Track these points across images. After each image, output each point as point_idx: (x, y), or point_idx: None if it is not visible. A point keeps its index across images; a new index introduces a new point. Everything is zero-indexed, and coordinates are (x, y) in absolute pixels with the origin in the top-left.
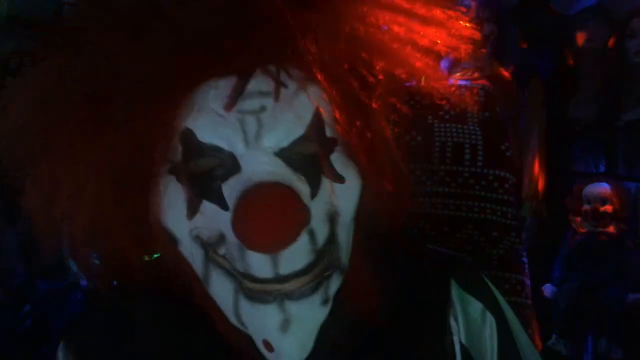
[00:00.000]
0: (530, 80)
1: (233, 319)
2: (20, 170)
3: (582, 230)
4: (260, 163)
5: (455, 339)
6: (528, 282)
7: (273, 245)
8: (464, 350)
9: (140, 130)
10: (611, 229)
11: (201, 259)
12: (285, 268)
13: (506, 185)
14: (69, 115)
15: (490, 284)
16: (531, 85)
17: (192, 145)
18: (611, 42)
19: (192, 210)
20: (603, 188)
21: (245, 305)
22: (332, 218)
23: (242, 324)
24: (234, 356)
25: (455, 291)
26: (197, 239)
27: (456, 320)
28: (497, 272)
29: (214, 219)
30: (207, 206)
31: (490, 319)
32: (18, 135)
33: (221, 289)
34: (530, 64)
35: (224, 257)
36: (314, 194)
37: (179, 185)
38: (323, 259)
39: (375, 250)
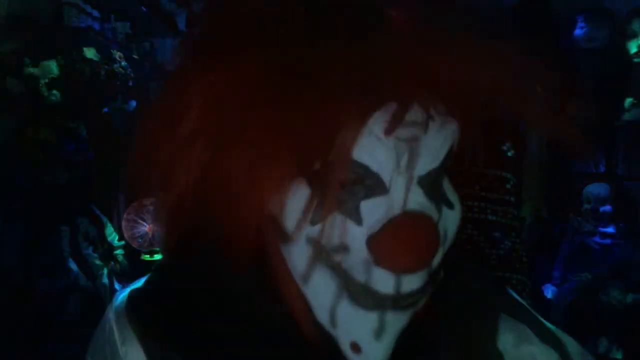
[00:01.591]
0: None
1: (325, 319)
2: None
3: (582, 230)
4: (408, 191)
5: None
6: (528, 282)
7: (410, 268)
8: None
9: (306, 138)
10: (611, 229)
11: (308, 259)
12: (405, 287)
13: (507, 186)
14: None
15: (514, 294)
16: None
17: (343, 159)
18: (611, 42)
19: (318, 218)
20: (603, 188)
21: (345, 307)
22: (444, 242)
23: (335, 324)
24: (309, 353)
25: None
26: (311, 240)
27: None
28: (497, 272)
29: (342, 230)
30: (339, 217)
31: (527, 331)
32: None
33: (322, 289)
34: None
35: (338, 264)
36: (438, 220)
37: (308, 190)
38: (432, 281)
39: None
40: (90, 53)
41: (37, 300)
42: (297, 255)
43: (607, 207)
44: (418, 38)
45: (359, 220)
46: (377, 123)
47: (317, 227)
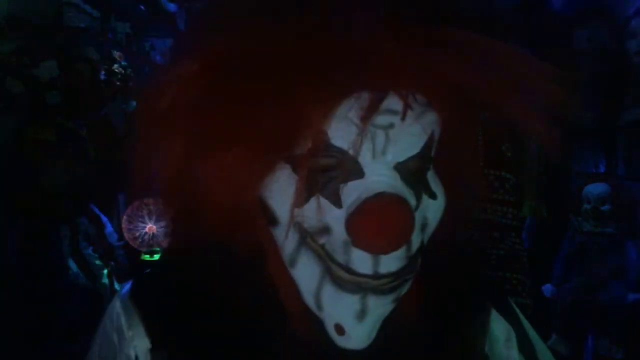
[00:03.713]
0: None
1: (311, 301)
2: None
3: (582, 230)
4: (383, 175)
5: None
6: (528, 282)
7: (382, 249)
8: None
9: (283, 121)
10: (611, 229)
11: (294, 243)
12: (383, 268)
13: (507, 186)
14: (231, 89)
15: (515, 307)
16: None
17: (321, 144)
18: (611, 42)
19: (302, 200)
20: (603, 188)
21: (329, 290)
22: (423, 229)
23: (320, 307)
24: (297, 334)
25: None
26: (297, 224)
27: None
28: (497, 272)
29: (323, 212)
30: (320, 200)
31: (514, 339)
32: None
33: (307, 272)
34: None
35: (322, 246)
36: (417, 207)
37: (293, 176)
38: (411, 265)
39: (431, 256)
40: (90, 53)
41: (37, 300)
42: (285, 239)
43: (607, 207)
44: (397, 28)
45: (338, 203)
46: (353, 110)
47: (301, 210)
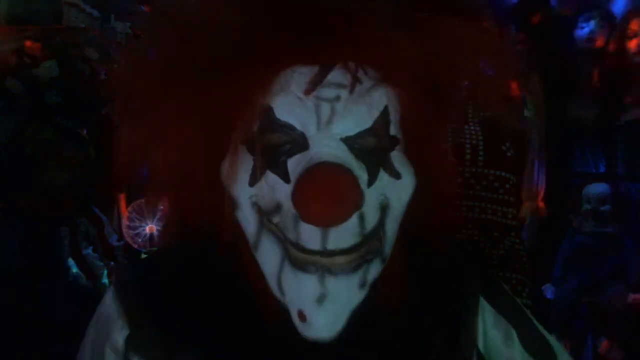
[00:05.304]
0: (530, 80)
1: (274, 286)
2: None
3: (582, 230)
4: (327, 146)
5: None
6: (528, 282)
7: (327, 220)
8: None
9: (227, 101)
10: (611, 229)
11: (255, 225)
12: (332, 244)
13: (507, 186)
14: (172, 79)
15: (513, 297)
16: (531, 85)
17: (269, 120)
18: (611, 42)
19: (255, 178)
20: (603, 188)
21: (288, 273)
22: (384, 209)
23: (282, 292)
24: (266, 320)
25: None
26: (255, 205)
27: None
28: (497, 272)
29: (274, 189)
30: (270, 177)
31: (515, 337)
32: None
33: (269, 255)
34: (530, 64)
35: (276, 225)
36: (370, 183)
37: (249, 155)
38: (367, 243)
39: (416, 248)
40: (90, 53)
41: (37, 300)
42: (247, 222)
43: (607, 207)
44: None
45: (286, 178)
46: (296, 84)
47: (255, 189)
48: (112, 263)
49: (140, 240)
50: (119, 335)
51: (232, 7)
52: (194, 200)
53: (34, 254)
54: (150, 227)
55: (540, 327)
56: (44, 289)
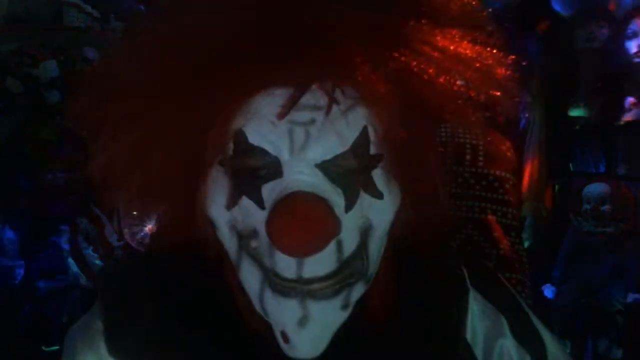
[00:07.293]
0: (530, 80)
1: (257, 306)
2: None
3: (582, 230)
4: (301, 173)
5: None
6: (528, 282)
7: (300, 251)
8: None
9: (201, 123)
10: (611, 229)
11: (235, 247)
12: (308, 272)
13: (507, 186)
14: (149, 93)
15: (507, 286)
16: (531, 85)
17: (241, 145)
18: (611, 42)
19: (232, 202)
20: (603, 188)
21: (269, 296)
22: (365, 231)
23: (265, 312)
24: (251, 337)
25: (472, 297)
26: (234, 228)
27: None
28: (497, 272)
29: (250, 214)
30: (246, 202)
31: (503, 322)
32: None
33: (250, 277)
34: (530, 64)
35: (255, 249)
36: (348, 208)
37: (225, 178)
38: (347, 268)
39: (406, 262)
40: (90, 53)
41: (37, 300)
42: (227, 244)
43: (607, 207)
44: (318, 18)
45: (261, 204)
46: (269, 107)
47: (232, 213)
48: None
49: (140, 240)
50: (101, 344)
51: (202, 27)
52: (174, 217)
53: (34, 253)
54: (150, 227)
55: (534, 317)
56: (43, 289)
